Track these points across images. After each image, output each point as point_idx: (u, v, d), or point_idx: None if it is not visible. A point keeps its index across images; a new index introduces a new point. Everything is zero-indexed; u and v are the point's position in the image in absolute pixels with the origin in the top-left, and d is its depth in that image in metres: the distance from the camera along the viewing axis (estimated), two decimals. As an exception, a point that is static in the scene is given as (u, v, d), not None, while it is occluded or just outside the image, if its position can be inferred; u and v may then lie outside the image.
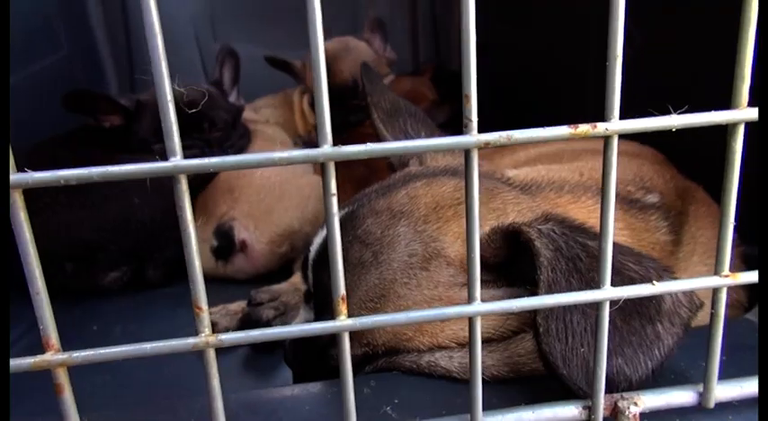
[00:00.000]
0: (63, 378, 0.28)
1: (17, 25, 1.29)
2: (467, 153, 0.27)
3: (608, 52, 0.26)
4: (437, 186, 0.46)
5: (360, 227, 0.45)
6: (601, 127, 0.27)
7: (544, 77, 1.23)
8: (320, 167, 0.92)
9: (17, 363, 0.27)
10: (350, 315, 0.44)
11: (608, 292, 0.30)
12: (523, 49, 1.26)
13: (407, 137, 0.57)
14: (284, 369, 0.77)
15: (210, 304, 0.92)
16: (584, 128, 0.27)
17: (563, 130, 0.27)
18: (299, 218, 1.07)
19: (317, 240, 0.49)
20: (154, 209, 1.07)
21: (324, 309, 0.46)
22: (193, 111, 1.18)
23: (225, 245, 1.05)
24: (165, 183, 1.04)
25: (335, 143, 1.03)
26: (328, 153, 0.26)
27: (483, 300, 0.40)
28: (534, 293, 0.38)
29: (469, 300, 0.29)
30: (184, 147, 1.03)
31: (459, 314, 0.29)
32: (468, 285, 0.29)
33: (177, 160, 0.26)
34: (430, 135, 0.58)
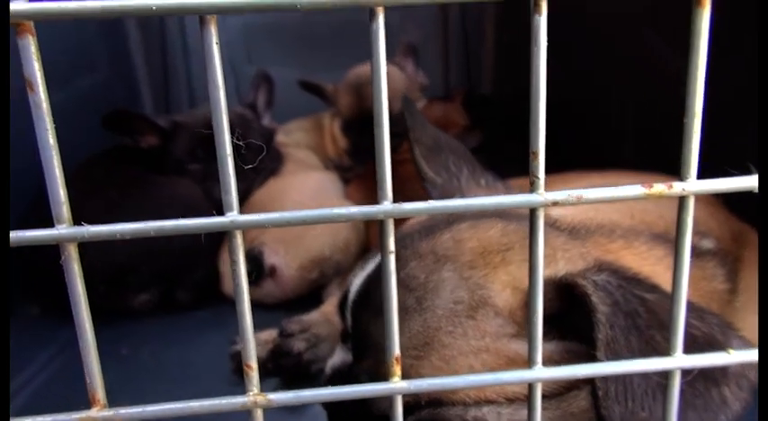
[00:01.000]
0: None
1: (58, 46, 1.32)
2: (533, 212, 0.26)
3: (686, 109, 0.25)
4: (483, 230, 0.44)
5: (402, 270, 0.44)
6: (677, 187, 0.25)
7: (580, 117, 1.21)
8: (352, 192, 0.90)
9: (61, 419, 0.26)
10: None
11: (679, 361, 0.28)
12: (561, 86, 1.24)
13: (449, 173, 0.56)
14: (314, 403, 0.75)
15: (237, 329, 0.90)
16: (658, 187, 0.25)
17: (637, 190, 0.25)
18: (330, 244, 1.06)
19: (357, 281, 0.47)
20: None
21: (363, 353, 0.45)
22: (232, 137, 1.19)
23: (254, 269, 1.04)
24: (195, 207, 1.04)
25: (368, 166, 1.02)
26: (388, 210, 0.25)
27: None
28: (590, 349, 0.36)
29: (530, 363, 0.28)
30: (218, 169, 1.01)
31: (520, 380, 0.28)
32: (529, 348, 0.28)
33: (234, 215, 0.25)
34: (472, 171, 0.56)
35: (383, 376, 0.43)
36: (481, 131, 1.50)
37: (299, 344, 0.76)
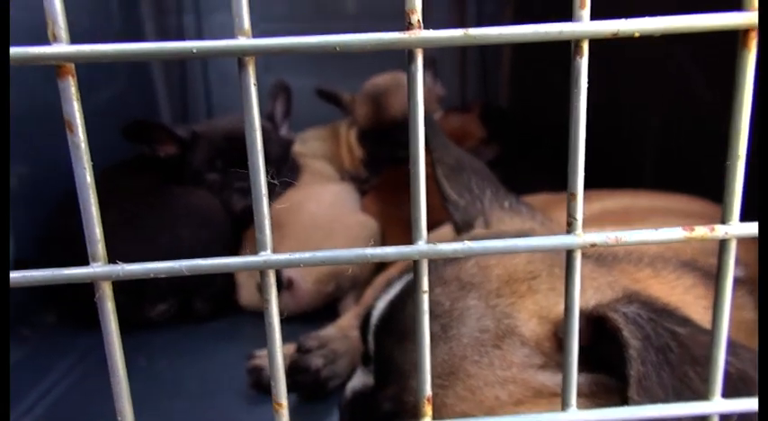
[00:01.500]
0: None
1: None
2: (569, 253, 0.25)
3: (729, 151, 0.24)
4: (509, 257, 0.44)
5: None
6: (720, 230, 0.25)
7: (601, 135, 1.20)
8: (368, 203, 0.89)
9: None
10: (415, 392, 0.42)
11: (718, 405, 0.27)
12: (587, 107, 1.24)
13: (472, 195, 0.55)
14: (330, 417, 0.75)
15: (260, 340, 0.91)
16: (700, 231, 0.25)
17: (678, 234, 0.25)
18: (347, 257, 1.06)
19: (381, 305, 0.47)
20: (201, 242, 1.08)
21: (386, 379, 0.44)
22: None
23: (272, 282, 1.04)
24: (212, 218, 1.04)
25: (383, 177, 1.02)
26: (423, 251, 0.25)
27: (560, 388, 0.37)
28: (620, 383, 0.36)
29: (563, 406, 0.27)
30: (237, 179, 1.04)
31: (553, 422, 0.27)
32: (563, 390, 0.27)
33: (268, 255, 0.25)
34: (495, 192, 0.56)
35: (407, 403, 0.42)
36: (498, 144, 1.49)
37: (316, 361, 0.75)
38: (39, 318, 1.06)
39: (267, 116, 1.35)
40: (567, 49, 0.24)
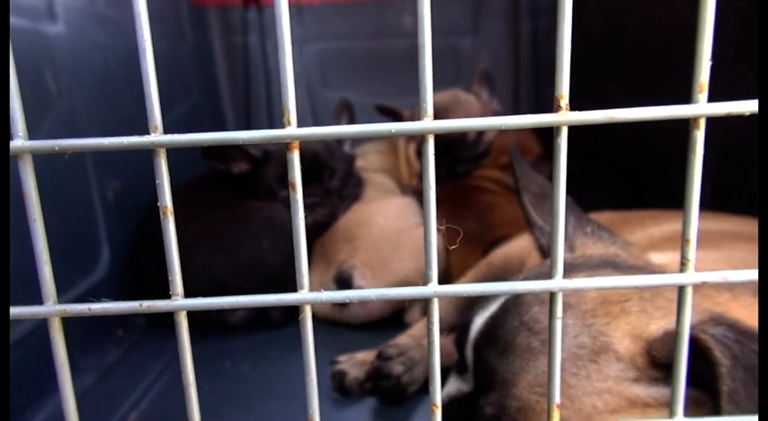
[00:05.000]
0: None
1: (162, 76, 1.44)
2: (681, 289, 0.31)
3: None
4: (601, 280, 0.49)
5: (526, 313, 0.49)
6: (812, 272, 0.30)
7: (659, 155, 1.23)
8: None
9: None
10: (517, 398, 0.48)
11: (808, 419, 0.32)
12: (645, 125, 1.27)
13: (557, 220, 0.60)
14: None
15: (331, 346, 0.98)
16: (795, 272, 0.30)
17: (776, 274, 0.30)
18: (414, 269, 1.12)
19: (479, 321, 0.53)
20: (280, 253, 1.15)
21: (489, 386, 0.50)
22: (316, 161, 1.28)
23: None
24: (289, 231, 1.13)
25: (444, 192, 1.08)
26: (562, 285, 0.30)
27: (653, 399, 0.42)
28: (710, 397, 0.40)
29: (671, 414, 0.32)
30: (306, 195, 1.12)
31: (664, 428, 0.32)
32: (672, 401, 0.32)
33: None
34: (578, 219, 0.61)
35: (509, 408, 0.48)
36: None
37: (397, 368, 0.81)
38: (131, 321, 1.15)
39: (332, 133, 1.43)
40: (622, 63, 0.29)
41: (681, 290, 0.31)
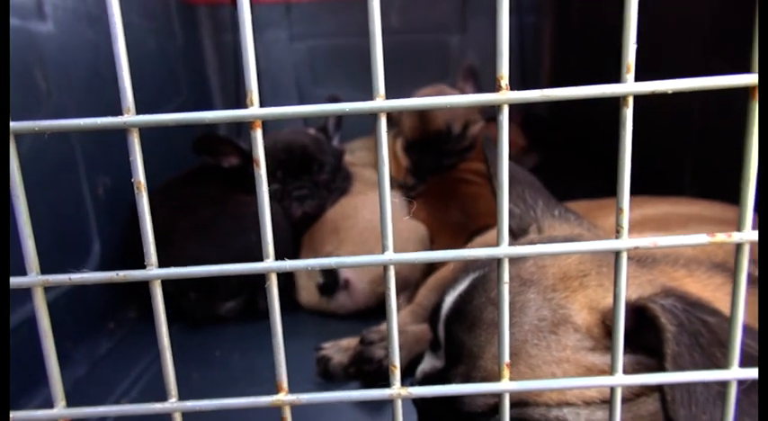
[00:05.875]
0: (288, 413, 0.36)
1: (151, 74, 1.47)
2: (617, 255, 0.33)
3: (743, 172, 0.32)
4: (563, 258, 0.52)
5: (492, 290, 0.51)
6: (736, 236, 0.33)
7: (644, 144, 1.26)
8: (416, 210, 0.98)
9: (255, 401, 0.35)
10: (483, 368, 0.50)
11: (736, 373, 0.34)
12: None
13: (526, 205, 0.63)
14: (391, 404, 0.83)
15: (319, 335, 1.01)
16: (720, 237, 0.33)
17: (703, 239, 0.33)
18: (399, 260, 1.15)
19: (449, 299, 0.55)
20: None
21: (457, 360, 0.52)
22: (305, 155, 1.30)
23: (330, 282, 1.14)
24: (278, 224, 1.16)
25: (429, 184, 1.12)
26: (508, 251, 0.33)
27: (608, 366, 0.45)
28: (658, 362, 0.43)
29: (612, 371, 0.35)
30: (295, 188, 1.16)
31: (604, 384, 0.35)
32: (612, 359, 0.35)
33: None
34: (546, 203, 0.64)
35: (475, 379, 0.51)
36: (538, 152, 1.56)
37: (379, 352, 0.84)
38: (122, 314, 1.18)
39: (321, 128, 1.45)
40: (604, 59, 0.32)
41: (617, 255, 0.33)
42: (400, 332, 0.92)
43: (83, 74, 1.10)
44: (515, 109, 1.79)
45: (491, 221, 1.15)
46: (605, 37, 1.43)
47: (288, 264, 0.34)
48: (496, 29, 0.31)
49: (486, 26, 1.91)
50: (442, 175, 1.45)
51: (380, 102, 0.32)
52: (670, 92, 0.31)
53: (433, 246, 1.22)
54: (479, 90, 1.61)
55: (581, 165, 1.43)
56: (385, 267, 0.34)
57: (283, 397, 0.36)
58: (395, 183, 1.55)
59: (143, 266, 0.35)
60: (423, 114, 1.52)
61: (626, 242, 0.33)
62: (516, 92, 0.31)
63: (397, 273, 1.12)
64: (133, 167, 0.32)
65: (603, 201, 0.91)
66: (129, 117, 0.30)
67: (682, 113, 1.11)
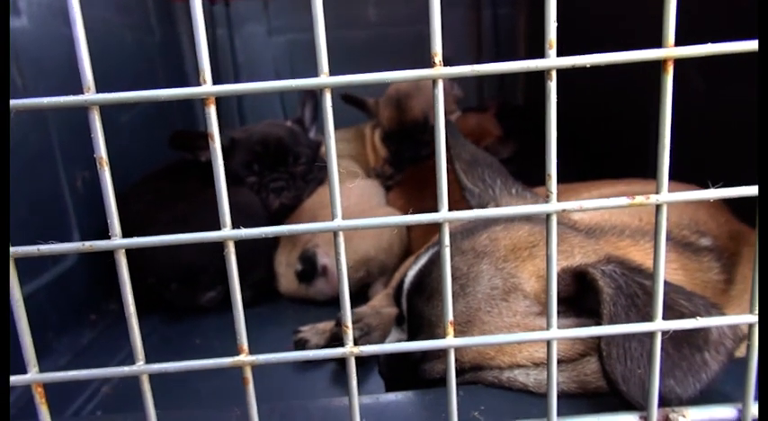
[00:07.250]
0: (249, 373, 0.38)
1: (128, 67, 1.48)
2: (547, 217, 0.36)
3: (659, 143, 0.35)
4: (514, 230, 0.55)
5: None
6: (653, 198, 0.36)
7: (611, 126, 1.29)
8: (393, 198, 1.01)
9: (217, 362, 0.37)
10: (440, 336, 0.53)
11: (659, 324, 0.38)
12: (592, 93, 1.34)
13: (485, 184, 0.66)
14: (370, 382, 0.86)
15: (299, 322, 1.03)
16: (639, 199, 0.36)
17: (623, 201, 0.36)
18: (375, 246, 1.18)
19: (411, 273, 0.58)
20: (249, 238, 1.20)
21: (418, 330, 0.55)
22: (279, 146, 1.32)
23: (308, 269, 1.16)
24: (255, 215, 1.18)
25: (407, 173, 1.15)
26: (447, 216, 0.36)
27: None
28: (599, 324, 0.46)
29: (548, 327, 0.38)
30: (272, 180, 1.18)
31: (540, 338, 0.38)
32: (547, 315, 0.38)
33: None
34: (504, 182, 0.67)
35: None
36: (514, 141, 1.59)
37: (354, 333, 0.87)
38: (103, 306, 1.19)
39: (297, 120, 1.47)
40: (577, 48, 0.34)
41: (547, 217, 0.36)
42: (376, 314, 0.95)
43: (58, 69, 1.11)
44: (490, 99, 1.83)
45: (465, 207, 1.18)
46: (579, 24, 1.47)
47: (243, 233, 0.37)
48: (429, 8, 0.33)
49: (462, 17, 1.94)
50: (419, 165, 1.48)
51: (324, 78, 0.34)
52: (588, 65, 0.34)
53: (409, 232, 1.24)
54: (455, 80, 1.64)
55: (559, 152, 1.46)
56: (335, 234, 0.37)
57: (243, 357, 0.39)
58: (372, 173, 1.57)
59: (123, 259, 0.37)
60: (400, 105, 1.54)
61: (554, 205, 0.36)
62: (448, 67, 0.34)
63: (375, 259, 1.14)
64: (95, 144, 0.34)
65: (570, 186, 0.94)
66: (90, 95, 0.33)
67: (647, 93, 1.14)
